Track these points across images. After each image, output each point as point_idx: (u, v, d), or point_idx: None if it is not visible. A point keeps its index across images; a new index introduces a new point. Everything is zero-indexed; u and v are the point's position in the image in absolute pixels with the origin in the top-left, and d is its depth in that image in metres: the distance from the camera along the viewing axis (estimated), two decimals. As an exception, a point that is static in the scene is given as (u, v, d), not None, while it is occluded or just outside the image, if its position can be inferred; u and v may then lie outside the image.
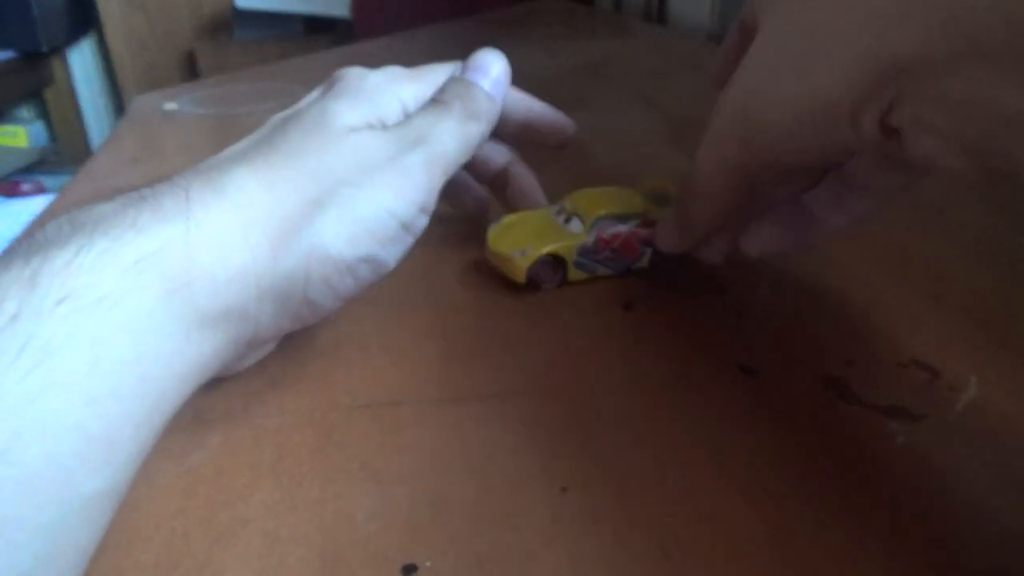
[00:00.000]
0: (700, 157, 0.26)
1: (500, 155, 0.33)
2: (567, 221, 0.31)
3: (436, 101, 0.27)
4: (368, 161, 0.24)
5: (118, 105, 1.86)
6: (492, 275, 0.32)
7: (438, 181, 0.26)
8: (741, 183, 0.25)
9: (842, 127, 0.20)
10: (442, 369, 0.26)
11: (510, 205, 0.33)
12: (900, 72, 0.18)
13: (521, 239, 0.30)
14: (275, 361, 0.27)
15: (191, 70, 1.73)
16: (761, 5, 0.24)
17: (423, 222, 0.26)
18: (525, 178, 0.33)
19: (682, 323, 0.28)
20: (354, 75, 0.27)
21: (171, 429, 0.24)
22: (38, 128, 1.87)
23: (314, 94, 0.27)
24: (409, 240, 0.26)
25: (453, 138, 0.27)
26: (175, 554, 0.20)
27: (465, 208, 0.35)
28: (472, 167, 0.32)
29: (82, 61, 1.84)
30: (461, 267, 0.33)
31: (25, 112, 1.89)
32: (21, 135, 1.81)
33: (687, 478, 0.22)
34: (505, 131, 0.31)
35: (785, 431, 0.23)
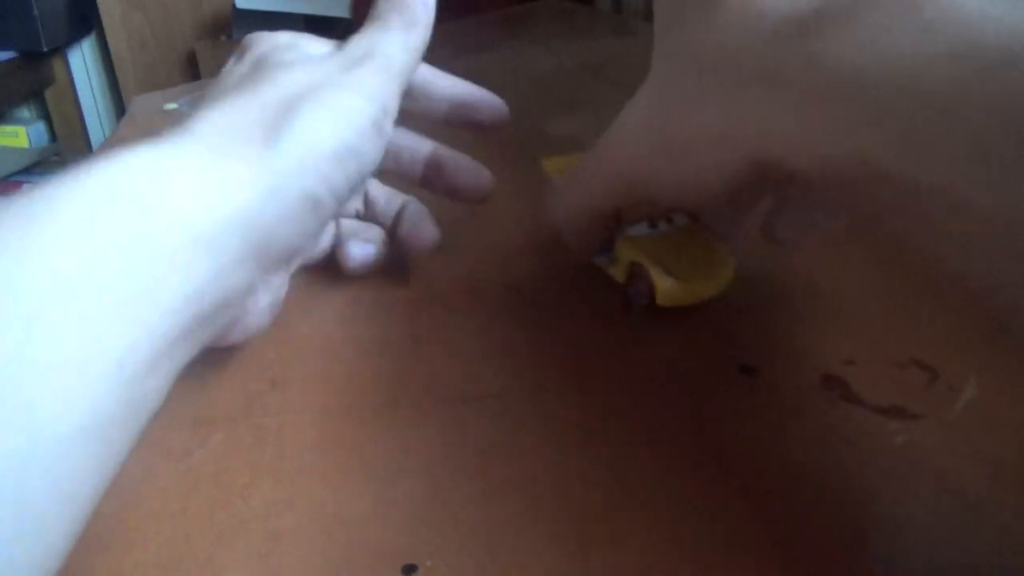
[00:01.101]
0: (566, 203, 0.27)
1: (422, 143, 0.32)
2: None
3: (372, 19, 0.28)
4: (321, 80, 0.25)
5: (118, 105, 1.86)
6: (492, 275, 0.32)
7: (394, 88, 0.26)
8: (609, 221, 0.27)
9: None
10: (442, 369, 0.26)
11: (453, 191, 0.32)
12: (783, 180, 0.20)
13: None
14: (275, 361, 0.27)
15: (192, 70, 1.73)
16: (659, 36, 0.24)
17: (389, 125, 0.26)
18: (457, 157, 0.32)
19: (682, 323, 0.28)
20: (264, 35, 0.28)
21: (171, 428, 0.24)
22: (39, 128, 1.87)
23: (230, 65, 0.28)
24: (380, 142, 0.26)
25: (398, 47, 0.27)
26: (175, 554, 0.20)
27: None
28: (399, 163, 0.31)
29: (82, 61, 1.84)
30: (461, 267, 0.33)
31: (26, 112, 1.90)
32: (22, 135, 1.81)
33: (687, 478, 0.22)
34: (435, 112, 0.31)
35: (785, 431, 0.23)
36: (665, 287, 0.26)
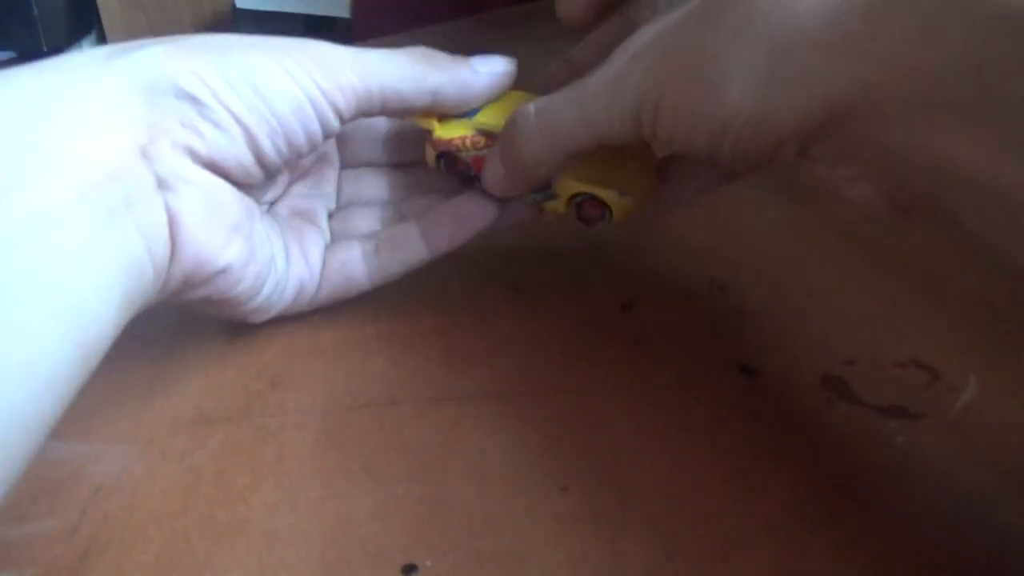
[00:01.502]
0: (549, 121, 0.24)
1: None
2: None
3: (446, 57, 0.27)
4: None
5: (118, 105, 1.85)
6: (492, 275, 0.32)
7: (355, 83, 0.25)
8: (574, 154, 0.25)
9: (759, 145, 0.20)
10: (442, 369, 0.26)
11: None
12: (846, 111, 0.18)
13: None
14: (275, 361, 0.27)
15: (191, 70, 1.72)
16: None
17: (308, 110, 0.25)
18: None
19: (682, 323, 0.28)
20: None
21: (171, 428, 0.24)
22: (38, 128, 1.87)
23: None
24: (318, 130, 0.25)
25: (383, 58, 0.26)
26: (175, 554, 0.20)
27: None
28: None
29: (82, 61, 1.84)
30: (461, 267, 0.33)
31: (25, 112, 1.89)
32: (21, 135, 1.81)
33: (687, 478, 0.22)
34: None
35: (785, 431, 0.23)
36: (620, 204, 0.27)
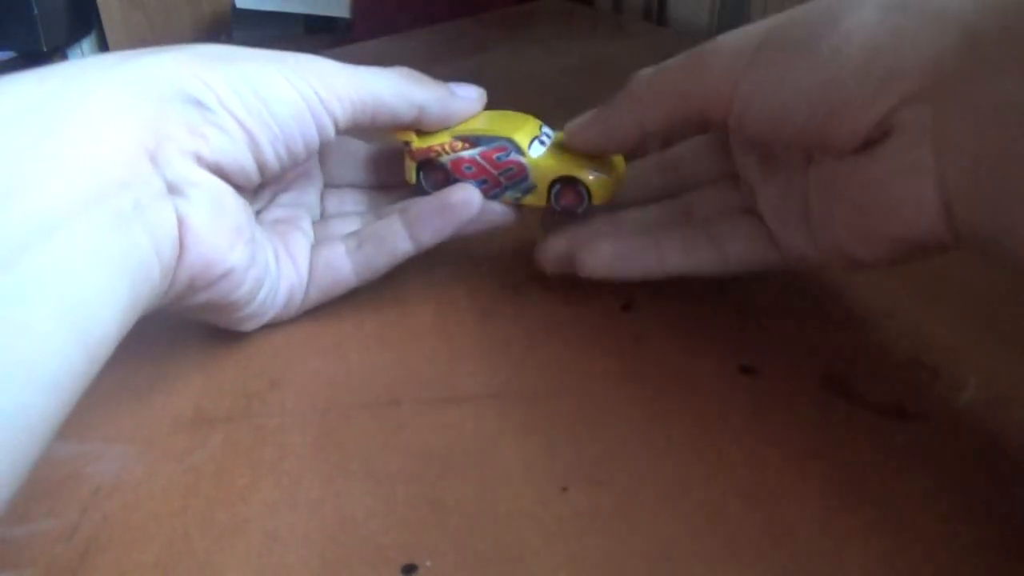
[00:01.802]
0: (667, 74, 0.26)
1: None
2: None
3: (440, 85, 0.29)
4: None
5: (118, 105, 1.85)
6: (492, 275, 0.32)
7: (335, 91, 0.26)
8: (674, 119, 0.26)
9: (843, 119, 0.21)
10: (442, 369, 0.26)
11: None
12: (940, 78, 0.19)
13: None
14: (275, 361, 0.27)
15: (191, 70, 1.72)
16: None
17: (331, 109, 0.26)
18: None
19: (682, 323, 0.28)
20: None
21: (171, 429, 0.24)
22: (38, 128, 1.87)
23: None
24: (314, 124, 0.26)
25: (376, 74, 0.27)
26: (175, 554, 0.20)
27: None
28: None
29: (82, 61, 1.84)
30: (461, 267, 0.33)
31: (25, 112, 1.89)
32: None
33: (687, 478, 0.22)
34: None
35: (785, 431, 0.23)
36: (598, 185, 0.28)
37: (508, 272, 0.32)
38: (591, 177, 0.28)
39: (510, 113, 0.31)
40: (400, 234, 0.28)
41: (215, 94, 0.23)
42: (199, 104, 0.23)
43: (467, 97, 0.29)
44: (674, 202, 0.30)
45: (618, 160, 0.30)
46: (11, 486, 0.17)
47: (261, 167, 0.25)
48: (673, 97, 0.26)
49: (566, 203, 0.29)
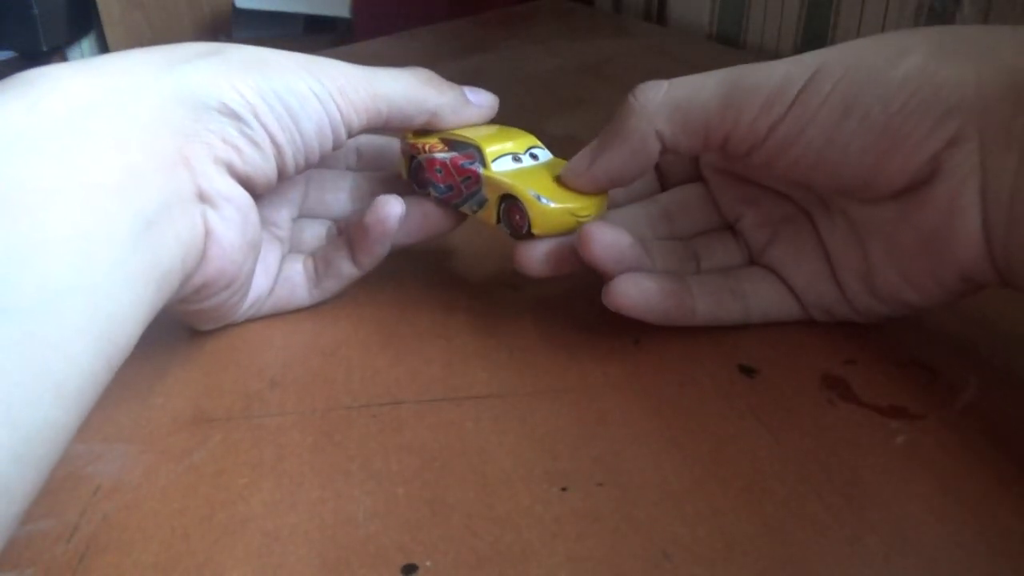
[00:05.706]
0: (662, 107, 0.24)
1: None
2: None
3: (452, 86, 0.29)
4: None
5: (118, 105, 1.85)
6: (492, 275, 0.32)
7: (349, 95, 0.26)
8: (692, 150, 0.25)
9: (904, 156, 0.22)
10: (442, 369, 0.26)
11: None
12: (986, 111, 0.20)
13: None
14: (275, 361, 0.27)
15: (191, 70, 1.72)
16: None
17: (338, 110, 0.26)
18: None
19: (682, 323, 0.28)
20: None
21: (171, 428, 0.24)
22: (38, 128, 1.86)
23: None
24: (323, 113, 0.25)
25: (394, 80, 0.27)
26: (175, 554, 0.20)
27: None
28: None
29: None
30: (461, 267, 0.33)
31: (25, 112, 1.89)
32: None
33: (687, 478, 0.22)
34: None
35: (785, 431, 0.23)
36: (537, 211, 0.25)
37: (508, 272, 0.32)
38: (533, 199, 0.25)
39: (512, 129, 0.29)
40: (345, 259, 0.28)
41: (251, 107, 0.23)
42: (235, 116, 0.23)
43: (480, 104, 0.29)
44: (681, 244, 0.29)
45: (598, 195, 0.27)
46: (31, 496, 0.17)
47: (280, 175, 0.26)
48: (701, 131, 0.24)
49: (511, 223, 0.27)
